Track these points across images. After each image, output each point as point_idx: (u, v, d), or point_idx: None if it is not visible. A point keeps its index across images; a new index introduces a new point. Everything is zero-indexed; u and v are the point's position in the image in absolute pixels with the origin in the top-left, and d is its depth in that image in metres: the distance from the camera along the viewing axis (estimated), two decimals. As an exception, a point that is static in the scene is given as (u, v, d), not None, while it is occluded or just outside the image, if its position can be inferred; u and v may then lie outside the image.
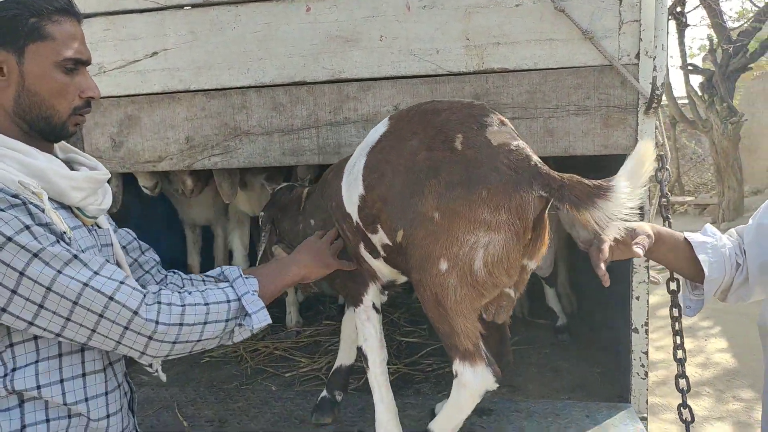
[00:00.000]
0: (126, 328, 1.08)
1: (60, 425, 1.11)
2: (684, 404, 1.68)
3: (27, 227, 1.02)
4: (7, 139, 1.10)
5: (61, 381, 1.11)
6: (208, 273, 1.45)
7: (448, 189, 1.33)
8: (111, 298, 1.06)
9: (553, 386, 2.26)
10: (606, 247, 1.25)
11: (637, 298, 1.96)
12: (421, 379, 2.34)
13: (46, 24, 1.10)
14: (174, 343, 1.12)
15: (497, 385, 1.44)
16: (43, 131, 1.16)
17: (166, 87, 2.04)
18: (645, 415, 1.98)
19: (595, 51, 1.82)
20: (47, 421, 1.09)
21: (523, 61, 1.86)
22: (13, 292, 1.01)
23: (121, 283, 1.09)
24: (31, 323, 1.04)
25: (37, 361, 1.09)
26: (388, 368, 2.33)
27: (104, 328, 1.07)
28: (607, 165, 2.10)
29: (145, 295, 1.11)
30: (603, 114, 1.84)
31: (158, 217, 3.22)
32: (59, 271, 1.03)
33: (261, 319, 1.23)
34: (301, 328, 2.98)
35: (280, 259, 1.44)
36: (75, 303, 1.04)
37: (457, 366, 1.42)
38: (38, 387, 1.08)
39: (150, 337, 1.09)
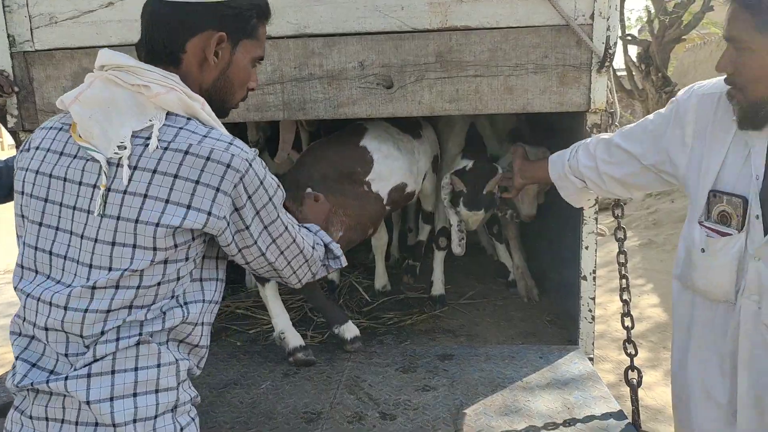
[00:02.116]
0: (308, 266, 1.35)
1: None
2: (629, 340, 1.83)
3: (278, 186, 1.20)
4: (213, 113, 1.18)
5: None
6: None
7: None
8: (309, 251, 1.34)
9: (508, 334, 2.40)
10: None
11: (587, 247, 2.09)
12: (384, 331, 2.43)
13: (260, 26, 1.23)
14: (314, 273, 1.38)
15: None
16: (215, 110, 1.21)
17: (125, 39, 1.95)
18: (592, 355, 2.15)
19: (553, 11, 1.89)
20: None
21: (486, 20, 1.91)
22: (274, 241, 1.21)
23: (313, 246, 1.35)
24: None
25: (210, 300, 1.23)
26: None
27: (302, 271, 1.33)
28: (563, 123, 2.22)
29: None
30: (559, 72, 1.93)
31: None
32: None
33: (344, 261, 1.46)
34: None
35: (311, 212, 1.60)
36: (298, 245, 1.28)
37: None
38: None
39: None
